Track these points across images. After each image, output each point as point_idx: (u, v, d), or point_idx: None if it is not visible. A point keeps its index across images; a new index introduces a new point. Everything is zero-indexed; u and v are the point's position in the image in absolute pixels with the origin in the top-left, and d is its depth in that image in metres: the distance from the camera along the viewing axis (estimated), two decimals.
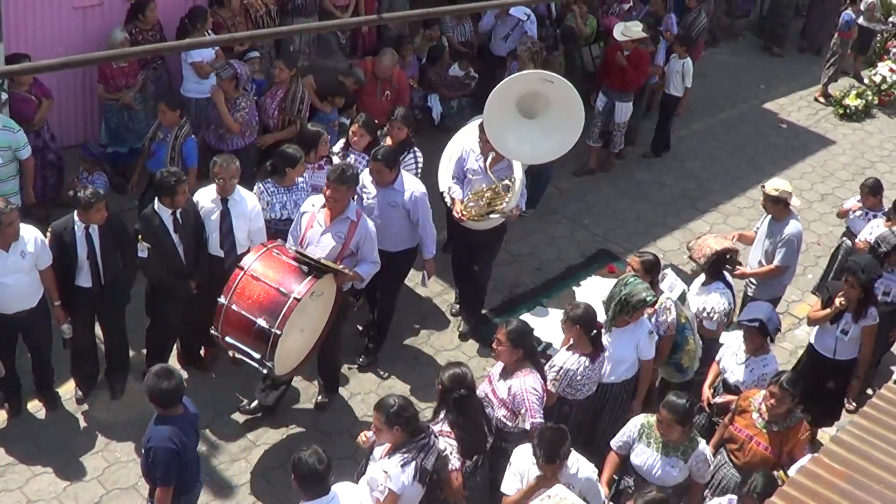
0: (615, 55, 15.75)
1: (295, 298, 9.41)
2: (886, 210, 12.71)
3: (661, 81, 17.11)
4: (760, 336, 9.84)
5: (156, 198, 10.23)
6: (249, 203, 10.68)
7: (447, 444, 8.44)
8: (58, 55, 12.56)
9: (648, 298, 9.66)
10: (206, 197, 10.65)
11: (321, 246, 10.27)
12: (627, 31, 15.59)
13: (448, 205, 11.99)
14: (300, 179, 11.31)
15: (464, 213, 11.55)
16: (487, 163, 11.51)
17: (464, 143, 12.16)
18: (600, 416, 9.90)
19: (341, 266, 10.05)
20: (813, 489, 6.42)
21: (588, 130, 15.19)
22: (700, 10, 17.95)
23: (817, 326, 11.18)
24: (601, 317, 9.79)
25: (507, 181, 11.52)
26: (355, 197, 10.74)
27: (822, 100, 20.73)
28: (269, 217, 11.06)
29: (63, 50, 12.76)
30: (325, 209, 10.35)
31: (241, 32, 10.34)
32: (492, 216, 11.58)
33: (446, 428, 8.55)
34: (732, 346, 10.20)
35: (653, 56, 16.55)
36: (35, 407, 10.70)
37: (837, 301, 10.76)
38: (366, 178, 11.19)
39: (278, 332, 9.35)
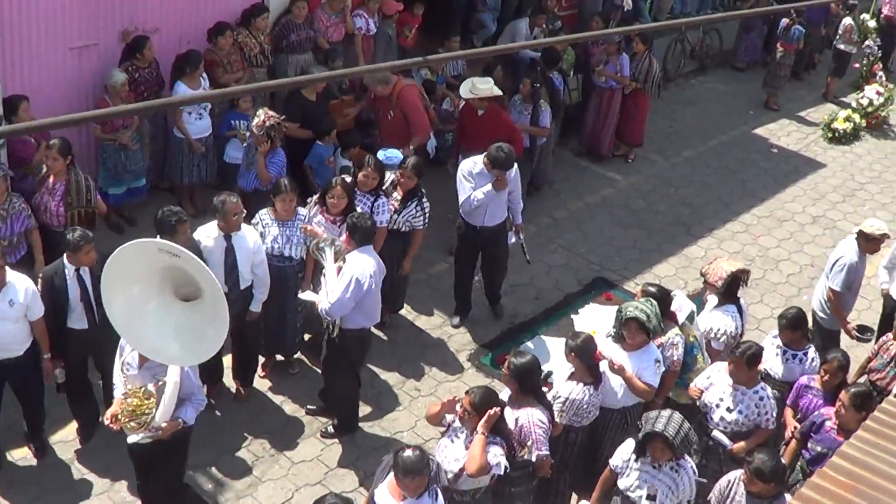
0: (470, 114, 14.40)
1: None
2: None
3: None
4: None
5: (157, 236, 10.23)
6: (251, 238, 10.70)
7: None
8: (54, 96, 12.69)
9: (630, 311, 9.67)
10: (206, 235, 10.65)
11: None
12: (475, 88, 14.17)
13: None
14: (300, 217, 11.28)
15: (114, 418, 8.87)
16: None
17: None
18: (602, 442, 9.93)
19: None
20: (821, 502, 6.49)
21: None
22: (650, 58, 17.49)
23: None
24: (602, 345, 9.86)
25: (149, 386, 8.81)
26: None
27: (775, 107, 21.37)
28: None
29: (59, 92, 12.85)
30: None
31: (245, 86, 9.61)
32: (130, 430, 8.86)
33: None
34: None
35: (537, 116, 15.38)
36: (21, 455, 10.58)
37: None
38: None
39: None
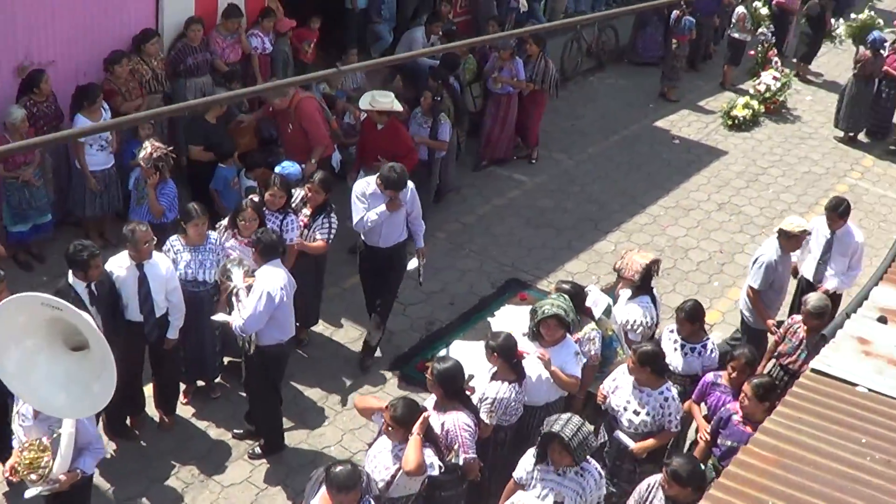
0: (370, 128, 14.25)
1: None
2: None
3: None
4: None
5: (70, 271, 10.16)
6: (163, 265, 10.60)
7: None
8: None
9: (547, 309, 9.80)
10: (118, 265, 10.51)
11: None
12: (375, 101, 13.94)
13: None
14: (211, 241, 11.20)
15: (12, 470, 8.61)
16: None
17: None
18: (529, 441, 9.97)
19: None
20: (748, 478, 6.61)
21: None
22: (545, 59, 17.58)
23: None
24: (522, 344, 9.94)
25: (43, 439, 8.59)
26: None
27: (674, 99, 21.75)
28: None
29: None
30: None
31: (162, 108, 9.42)
32: (30, 483, 8.63)
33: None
34: None
35: (436, 129, 15.23)
36: None
37: None
38: None
39: None
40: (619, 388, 9.91)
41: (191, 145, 13.71)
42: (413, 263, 12.73)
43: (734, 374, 10.11)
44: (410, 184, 12.16)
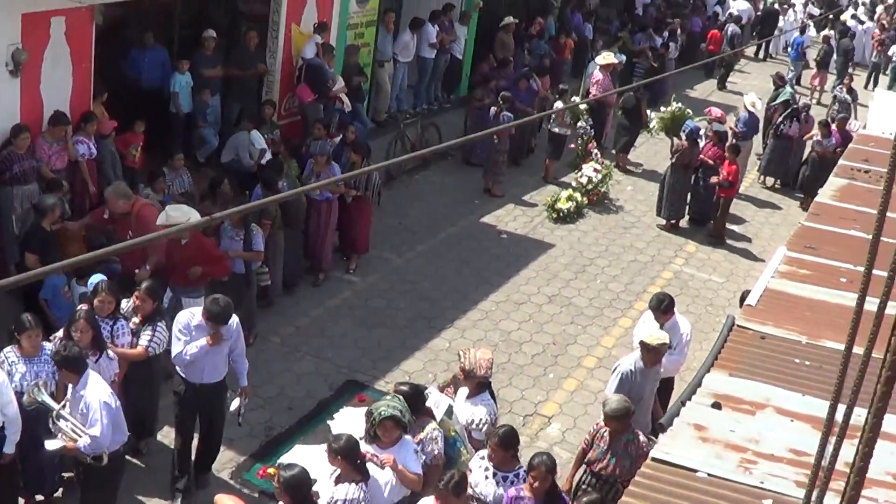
0: (174, 245, 13.61)
1: None
2: None
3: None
4: None
5: None
6: None
7: None
8: None
9: (383, 411, 9.81)
10: None
11: None
12: (170, 218, 13.19)
13: None
14: (46, 352, 10.87)
15: None
16: None
17: None
18: None
19: None
20: None
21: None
22: (368, 166, 17.26)
23: None
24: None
25: None
26: None
27: (498, 194, 22.05)
28: None
29: None
30: None
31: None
32: None
33: None
34: None
35: (250, 240, 14.57)
36: None
37: None
38: None
39: None
40: None
41: (27, 252, 13.40)
42: (235, 403, 12.17)
43: (536, 484, 9.79)
44: (235, 318, 11.70)
